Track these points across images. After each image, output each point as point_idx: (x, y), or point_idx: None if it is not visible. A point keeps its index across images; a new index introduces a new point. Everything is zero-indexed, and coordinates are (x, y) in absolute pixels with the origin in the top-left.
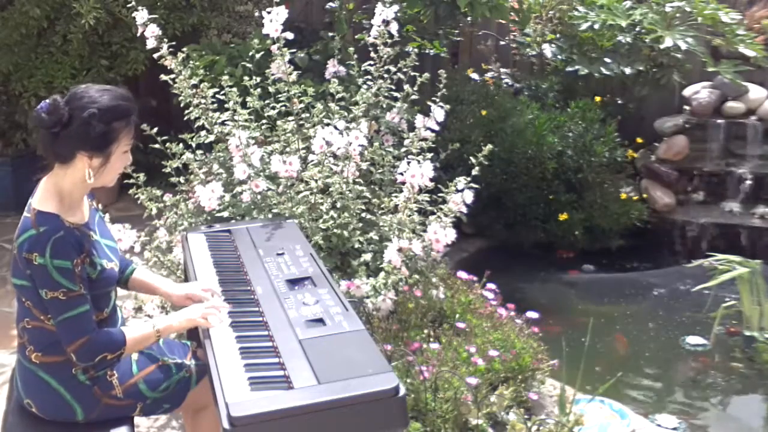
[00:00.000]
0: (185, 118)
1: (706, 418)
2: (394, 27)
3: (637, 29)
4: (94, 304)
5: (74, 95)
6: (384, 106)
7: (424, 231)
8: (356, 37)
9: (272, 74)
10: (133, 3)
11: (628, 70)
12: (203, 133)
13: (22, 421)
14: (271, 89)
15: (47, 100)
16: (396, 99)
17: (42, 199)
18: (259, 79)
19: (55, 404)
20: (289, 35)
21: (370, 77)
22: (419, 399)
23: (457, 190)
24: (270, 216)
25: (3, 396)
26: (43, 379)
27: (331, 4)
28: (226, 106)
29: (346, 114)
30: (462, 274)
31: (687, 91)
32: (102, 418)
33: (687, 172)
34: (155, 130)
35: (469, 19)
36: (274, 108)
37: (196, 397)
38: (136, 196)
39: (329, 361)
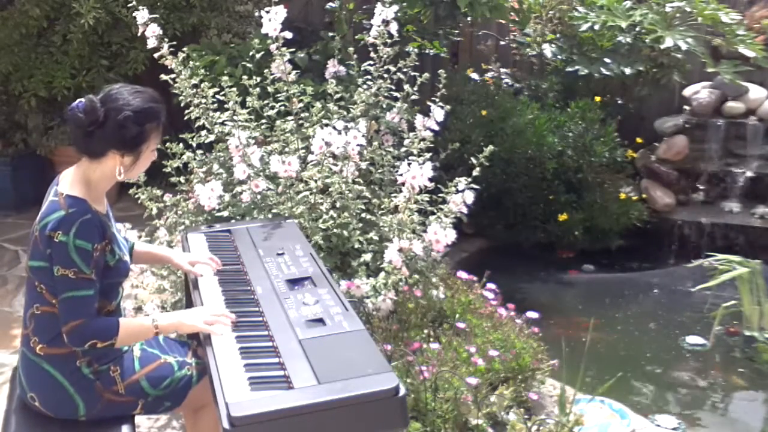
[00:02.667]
0: (185, 118)
1: (706, 418)
2: (393, 27)
3: (637, 29)
4: (105, 294)
5: (109, 96)
6: (384, 106)
7: (424, 231)
8: (356, 37)
9: (272, 74)
10: (134, 3)
11: (628, 70)
12: (203, 132)
13: (23, 420)
14: (270, 89)
15: (83, 100)
16: (396, 99)
17: (71, 184)
18: (258, 79)
19: (58, 398)
20: (288, 35)
21: (370, 77)
22: (419, 399)
23: (458, 191)
24: (270, 216)
25: (3, 396)
26: (47, 371)
27: (331, 4)
28: (225, 106)
29: (345, 114)
30: (462, 274)
31: (687, 91)
32: (103, 416)
33: (687, 172)
34: None
35: (469, 19)
36: (273, 108)
37: (197, 395)
38: (137, 196)
39: (329, 361)
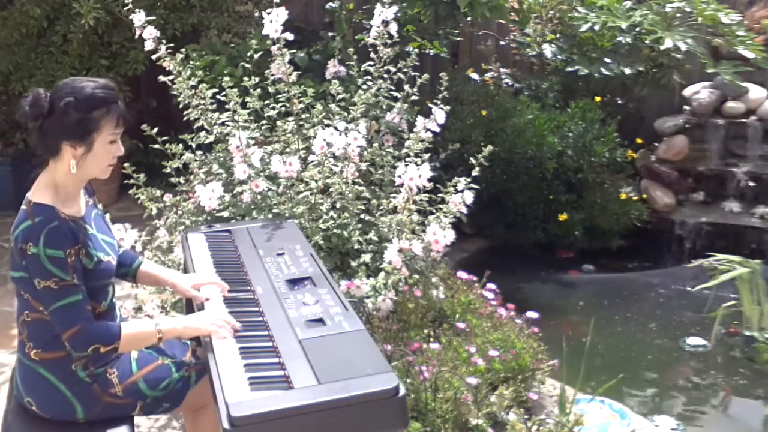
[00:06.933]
0: (185, 119)
1: (706, 419)
2: (393, 27)
3: (637, 30)
4: (91, 296)
5: (57, 87)
6: (384, 106)
7: (424, 231)
8: (356, 37)
9: (272, 74)
10: (133, 4)
11: (628, 71)
12: (203, 133)
13: (22, 420)
14: (270, 89)
15: (31, 94)
16: (396, 99)
17: (37, 191)
18: (258, 80)
19: (55, 402)
20: (289, 36)
21: (370, 78)
22: (419, 399)
23: (457, 191)
24: (270, 216)
25: (3, 396)
26: (43, 376)
27: (331, 4)
28: (226, 106)
29: (346, 114)
30: (462, 274)
31: (687, 91)
32: (102, 417)
33: (687, 172)
34: (155, 130)
35: (469, 19)
36: (273, 108)
37: (196, 396)
38: (137, 196)
39: (329, 361)
